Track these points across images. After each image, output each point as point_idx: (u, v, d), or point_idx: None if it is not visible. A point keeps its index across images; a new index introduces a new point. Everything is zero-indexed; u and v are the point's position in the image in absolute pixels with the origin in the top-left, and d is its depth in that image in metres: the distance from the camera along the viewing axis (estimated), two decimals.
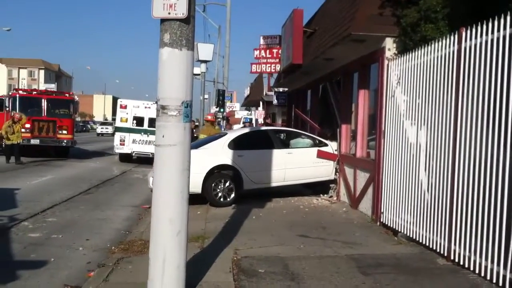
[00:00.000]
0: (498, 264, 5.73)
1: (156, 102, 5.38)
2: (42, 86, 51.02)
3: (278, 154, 12.25)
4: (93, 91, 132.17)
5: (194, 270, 6.07)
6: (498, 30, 5.89)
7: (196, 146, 11.61)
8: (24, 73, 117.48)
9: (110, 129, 65.67)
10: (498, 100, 5.87)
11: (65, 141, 24.37)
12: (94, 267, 6.97)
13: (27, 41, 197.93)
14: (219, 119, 41.66)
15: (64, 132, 24.28)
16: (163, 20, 5.23)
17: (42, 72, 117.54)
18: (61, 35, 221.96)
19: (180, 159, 5.26)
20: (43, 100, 24.45)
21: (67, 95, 26.86)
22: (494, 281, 5.78)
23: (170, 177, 5.24)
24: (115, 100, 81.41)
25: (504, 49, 5.78)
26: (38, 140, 23.53)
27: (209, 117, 18.16)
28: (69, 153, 25.51)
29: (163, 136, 5.25)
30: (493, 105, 5.97)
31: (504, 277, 5.61)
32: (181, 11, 5.11)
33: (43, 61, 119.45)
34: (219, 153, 11.81)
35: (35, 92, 26.74)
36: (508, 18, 5.69)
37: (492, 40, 6.02)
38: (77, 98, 26.91)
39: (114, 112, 55.22)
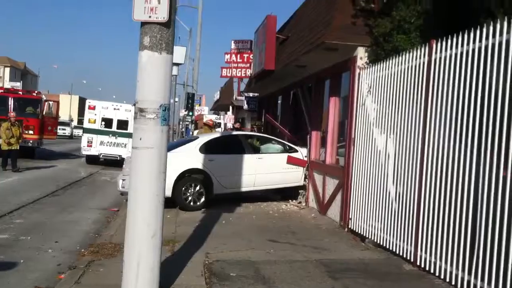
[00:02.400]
0: (463, 270, 5.93)
1: (134, 105, 5.42)
2: (7, 84, 49.85)
3: (249, 159, 12.34)
4: (60, 91, 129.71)
5: (166, 273, 6.09)
6: (468, 44, 6.11)
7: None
8: None
9: (67, 131, 59.40)
10: (465, 111, 6.08)
11: (31, 141, 23.97)
12: (65, 269, 6.93)
13: None
14: (187, 123, 41.58)
15: (31, 132, 23.89)
16: (143, 23, 5.27)
17: (7, 69, 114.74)
18: (27, 33, 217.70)
19: (157, 162, 5.30)
20: (9, 98, 24.04)
21: (35, 94, 26.45)
22: (459, 286, 5.98)
23: (147, 179, 5.28)
24: (81, 101, 79.50)
25: (472, 62, 6.00)
26: None
27: (210, 122, 18.17)
28: (35, 154, 25.10)
29: (140, 139, 5.28)
30: (460, 116, 6.18)
31: (469, 282, 5.80)
32: (162, 15, 5.16)
33: (8, 58, 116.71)
34: (190, 156, 11.82)
35: (2, 91, 26.24)
36: (478, 32, 5.91)
37: (461, 53, 6.24)
38: (44, 98, 26.53)
39: (80, 113, 54.09)
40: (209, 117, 46.12)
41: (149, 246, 5.22)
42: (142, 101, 5.27)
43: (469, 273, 5.81)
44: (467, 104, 6.06)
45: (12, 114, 20.09)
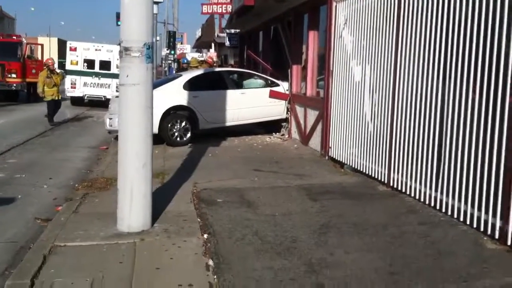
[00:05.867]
0: (430, 188, 6.47)
1: (119, 44, 5.71)
2: None
3: (232, 95, 12.67)
4: (37, 34, 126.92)
5: (158, 201, 6.49)
6: None
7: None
8: None
9: None
10: (432, 40, 6.46)
11: (14, 85, 24.02)
12: (61, 202, 7.36)
13: None
14: (170, 62, 41.42)
15: (13, 75, 23.90)
16: None
17: None
18: None
19: (144, 97, 5.63)
20: None
21: (15, 37, 26.24)
22: (427, 202, 6.54)
23: (135, 114, 5.62)
24: (61, 43, 77.68)
25: None
26: None
27: (210, 60, 18.02)
28: (19, 97, 25.18)
29: (127, 76, 5.59)
30: (428, 45, 6.55)
31: (435, 198, 6.36)
32: None
33: None
34: (174, 94, 12.12)
35: None
36: None
37: None
38: (25, 41, 26.36)
39: (60, 55, 53.08)
40: (191, 55, 45.91)
41: (140, 174, 5.63)
42: (126, 41, 5.55)
43: (436, 190, 6.35)
44: (434, 32, 6.42)
45: (50, 60, 17.44)
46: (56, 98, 16.75)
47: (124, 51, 5.56)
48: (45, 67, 17.38)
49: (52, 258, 4.97)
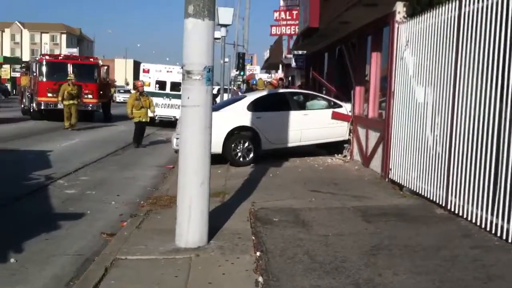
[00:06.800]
0: (487, 211, 6.37)
1: (182, 67, 6.06)
2: (64, 51, 51.73)
3: (295, 116, 12.85)
4: (114, 55, 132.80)
5: (216, 219, 6.75)
6: None
7: (217, 109, 12.26)
8: (46, 37, 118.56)
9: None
10: (490, 62, 6.41)
11: (90, 105, 25.29)
12: (127, 218, 7.77)
13: (48, 4, 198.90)
14: (239, 83, 42.15)
15: (90, 96, 25.14)
16: None
17: (64, 36, 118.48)
18: None
19: (203, 118, 5.93)
20: (68, 65, 25.22)
21: (92, 59, 27.64)
22: (483, 226, 6.44)
23: (194, 134, 5.93)
24: (136, 65, 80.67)
25: (496, 14, 6.30)
26: None
27: (274, 82, 18.56)
28: (94, 117, 26.43)
29: (188, 98, 5.93)
30: (486, 68, 6.51)
31: (492, 222, 6.26)
32: None
33: (64, 25, 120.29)
34: (238, 115, 12.44)
35: (61, 57, 27.53)
36: None
37: (487, 6, 6.53)
38: (101, 63, 27.68)
39: (135, 77, 55.33)
40: (260, 76, 46.51)
41: (198, 192, 5.91)
42: (188, 64, 5.89)
43: (492, 214, 6.25)
44: (492, 54, 6.38)
45: (139, 83, 17.69)
46: (143, 120, 16.72)
47: (186, 74, 5.90)
48: (135, 90, 17.75)
49: (113, 270, 5.30)
